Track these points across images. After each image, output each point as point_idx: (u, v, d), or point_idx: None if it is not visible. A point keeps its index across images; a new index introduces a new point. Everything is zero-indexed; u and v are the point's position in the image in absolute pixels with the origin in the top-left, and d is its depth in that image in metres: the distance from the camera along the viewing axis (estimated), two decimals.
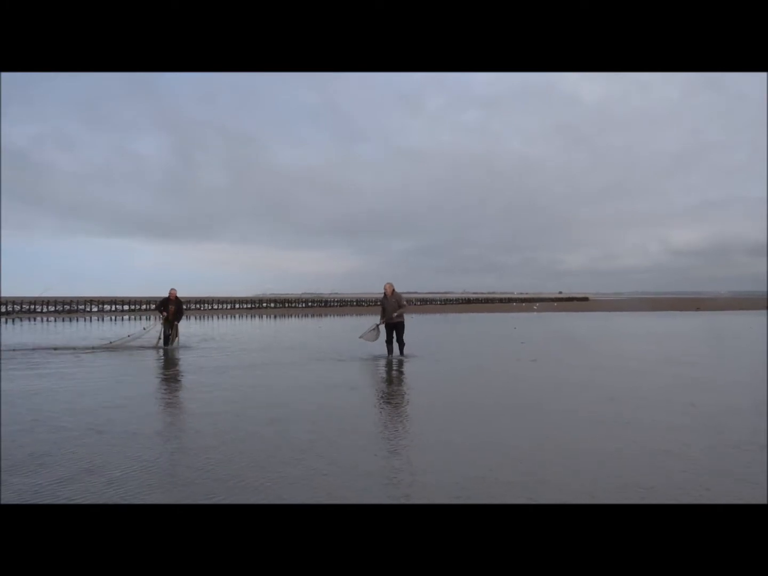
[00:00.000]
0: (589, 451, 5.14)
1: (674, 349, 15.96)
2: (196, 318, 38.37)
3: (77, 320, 35.23)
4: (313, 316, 44.10)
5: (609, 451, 5.12)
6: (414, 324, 24.58)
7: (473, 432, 5.91)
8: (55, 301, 47.93)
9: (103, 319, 36.58)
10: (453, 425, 6.25)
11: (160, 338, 15.12)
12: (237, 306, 59.20)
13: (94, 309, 50.31)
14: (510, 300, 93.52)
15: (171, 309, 15.17)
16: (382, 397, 8.28)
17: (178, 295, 15.56)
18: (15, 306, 44.76)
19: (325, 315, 45.52)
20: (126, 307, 50.84)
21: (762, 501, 3.84)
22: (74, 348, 15.10)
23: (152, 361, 12.72)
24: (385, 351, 12.88)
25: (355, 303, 68.61)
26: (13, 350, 14.40)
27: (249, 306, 60.22)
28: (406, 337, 12.96)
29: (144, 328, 16.43)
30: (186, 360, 12.72)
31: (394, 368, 11.31)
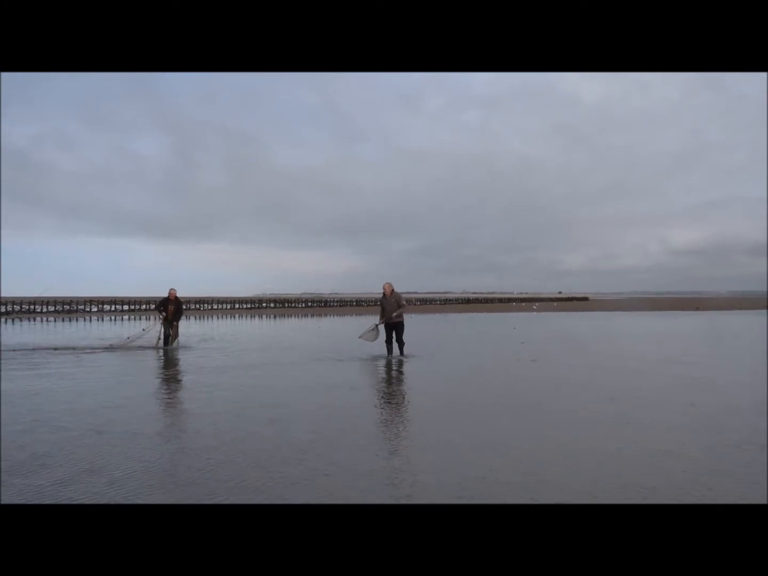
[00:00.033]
0: (589, 451, 5.14)
1: (674, 349, 15.96)
2: (195, 318, 38.36)
3: (77, 320, 35.22)
4: (312, 316, 44.10)
5: (609, 451, 5.12)
6: (414, 324, 24.58)
7: (473, 432, 5.91)
8: (55, 301, 47.92)
9: (102, 319, 36.57)
10: (453, 425, 6.25)
11: (159, 338, 15.12)
12: (237, 306, 59.21)
13: (94, 309, 50.31)
14: (510, 300, 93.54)
15: (170, 309, 15.17)
16: (382, 397, 8.27)
17: (178, 295, 15.56)
18: (15, 306, 44.74)
19: (325, 315, 45.52)
20: (126, 307, 50.83)
21: (762, 501, 3.84)
22: (74, 348, 15.10)
23: (152, 361, 12.72)
24: (384, 351, 12.87)
25: (354, 303, 68.61)
26: (13, 350, 14.40)
27: (249, 306, 60.22)
28: (405, 337, 12.95)
29: (143, 329, 16.41)
30: (186, 360, 12.72)
31: (394, 368, 11.31)
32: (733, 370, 11.35)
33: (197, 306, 54.98)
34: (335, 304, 68.99)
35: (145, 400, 7.99)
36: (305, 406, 7.28)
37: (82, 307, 49.41)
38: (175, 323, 15.24)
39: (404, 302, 13.12)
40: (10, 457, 4.89)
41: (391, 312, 12.83)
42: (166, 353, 14.05)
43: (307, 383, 9.29)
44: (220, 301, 59.76)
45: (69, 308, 47.77)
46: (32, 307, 45.98)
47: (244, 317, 41.32)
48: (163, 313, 15.24)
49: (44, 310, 46.25)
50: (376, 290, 14.55)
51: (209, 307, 56.25)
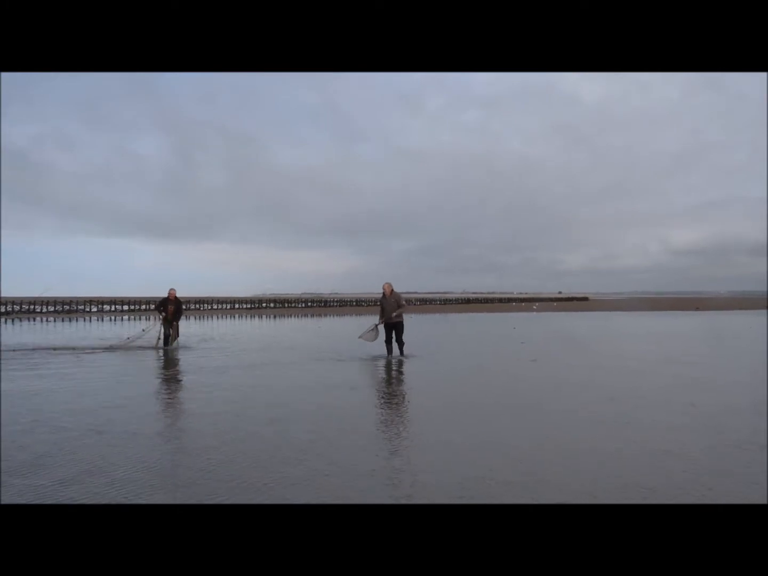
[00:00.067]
0: (589, 451, 5.14)
1: (674, 349, 15.97)
2: (195, 318, 38.36)
3: (77, 320, 35.22)
4: (312, 316, 44.10)
5: (609, 451, 5.12)
6: (413, 324, 24.57)
7: (473, 432, 5.91)
8: (55, 302, 47.92)
9: (102, 320, 36.57)
10: (453, 425, 6.25)
11: (159, 338, 15.12)
12: (237, 306, 59.20)
13: (94, 309, 50.29)
14: (509, 300, 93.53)
15: (170, 309, 15.17)
16: (381, 397, 8.27)
17: (178, 295, 15.56)
18: (14, 306, 44.74)
19: (325, 315, 45.52)
20: (125, 308, 50.83)
21: (762, 501, 3.84)
22: (74, 348, 15.10)
23: (152, 362, 12.72)
24: (384, 351, 12.87)
25: (354, 303, 68.62)
26: (13, 350, 14.40)
27: (248, 306, 60.22)
28: (405, 337, 12.95)
29: (143, 330, 16.41)
30: (186, 360, 12.71)
31: (394, 368, 11.31)
32: (733, 370, 11.35)
33: (197, 306, 54.97)
34: (335, 304, 68.99)
35: (145, 400, 7.99)
36: (305, 406, 7.28)
37: (81, 307, 49.40)
38: (175, 323, 15.24)
39: (404, 302, 13.12)
40: (10, 458, 4.89)
41: (390, 312, 12.82)
42: (165, 353, 14.05)
43: (307, 383, 9.29)
44: (220, 301, 59.76)
45: (69, 308, 47.77)
46: (32, 307, 45.97)
47: (244, 317, 41.32)
48: (163, 314, 15.24)
49: (44, 310, 46.24)
50: (376, 290, 14.55)
51: (209, 307, 56.24)
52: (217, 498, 3.94)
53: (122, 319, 36.35)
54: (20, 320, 35.63)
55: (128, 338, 16.02)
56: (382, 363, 11.96)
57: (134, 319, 36.82)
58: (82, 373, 10.47)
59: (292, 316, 43.15)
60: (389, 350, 12.80)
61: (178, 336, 15.50)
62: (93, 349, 14.99)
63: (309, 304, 67.51)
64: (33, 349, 14.74)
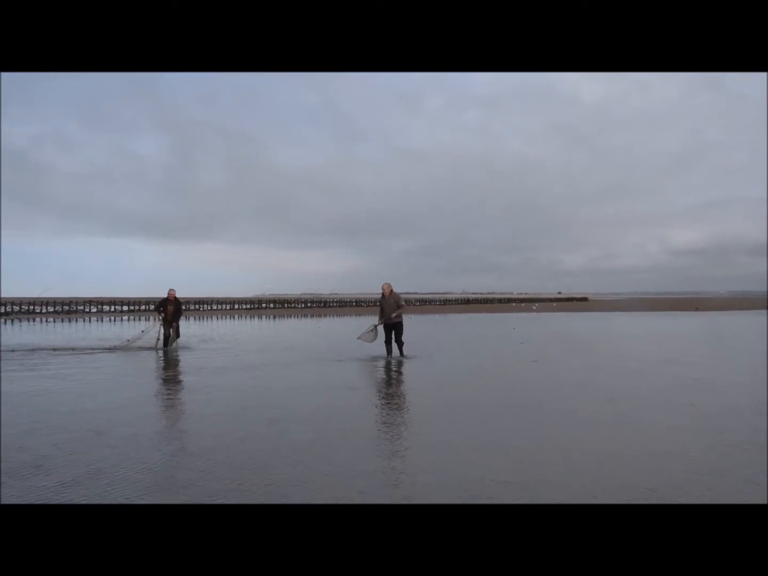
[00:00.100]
0: (589, 451, 5.14)
1: (673, 350, 15.97)
2: (195, 319, 38.35)
3: (76, 321, 35.21)
4: (312, 316, 44.10)
5: (609, 451, 5.12)
6: (413, 324, 24.57)
7: (473, 432, 5.91)
8: (54, 302, 47.89)
9: (102, 320, 36.56)
10: (453, 425, 6.25)
11: (159, 339, 15.11)
12: (236, 306, 59.19)
13: (93, 310, 50.26)
14: (509, 300, 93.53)
15: (170, 309, 15.17)
16: (381, 397, 8.27)
17: (177, 295, 15.56)
18: (14, 307, 44.72)
19: (325, 315, 45.52)
20: (125, 308, 50.81)
21: (762, 501, 3.84)
22: (73, 349, 15.09)
23: (152, 362, 12.72)
24: (384, 351, 12.87)
25: (354, 303, 68.62)
26: (13, 351, 14.40)
27: (248, 306, 60.20)
28: (405, 338, 12.94)
29: (143, 331, 16.40)
30: (185, 361, 12.71)
31: (394, 369, 11.31)
32: (733, 370, 11.36)
33: (196, 307, 54.95)
34: (335, 304, 68.99)
35: (144, 401, 7.99)
36: (305, 407, 7.28)
37: (81, 307, 49.38)
38: (174, 324, 15.24)
39: (403, 303, 13.11)
40: (10, 459, 4.89)
41: (390, 312, 12.82)
42: (165, 354, 14.05)
43: (307, 384, 9.29)
44: (220, 301, 59.73)
45: (68, 309, 47.75)
46: (31, 307, 45.94)
47: (243, 318, 41.31)
48: (162, 314, 15.24)
49: (43, 310, 46.21)
50: (375, 290, 14.55)
51: (208, 308, 56.22)
52: (217, 499, 3.93)
53: (122, 320, 36.34)
54: (20, 321, 35.62)
55: (128, 340, 16.00)
56: (381, 363, 11.96)
57: (134, 319, 36.81)
58: (81, 373, 10.46)
59: (292, 317, 43.15)
60: (389, 351, 12.80)
61: (179, 336, 15.51)
62: (93, 349, 14.98)
63: (308, 304, 67.50)
64: (33, 350, 14.74)
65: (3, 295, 41.88)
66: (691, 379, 9.69)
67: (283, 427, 6.11)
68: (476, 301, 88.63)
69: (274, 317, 42.44)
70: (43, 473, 4.50)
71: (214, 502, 3.85)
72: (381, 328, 13.11)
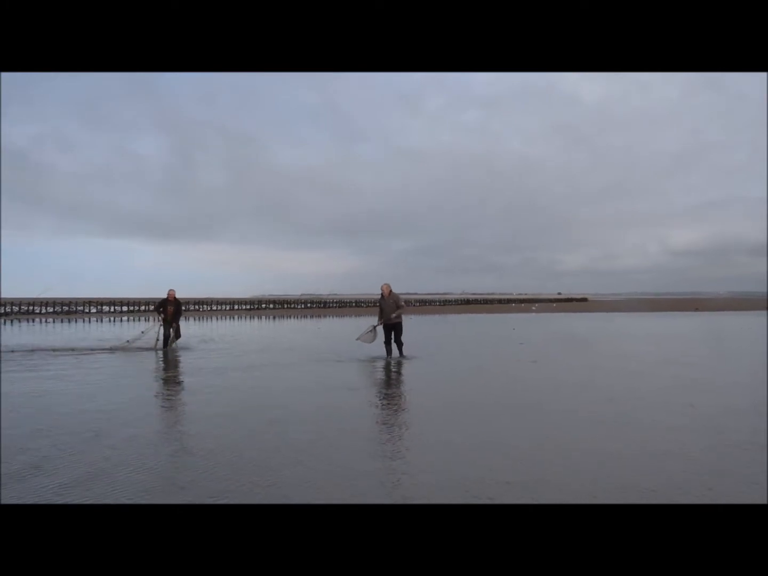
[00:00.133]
0: (589, 451, 5.14)
1: (673, 350, 15.97)
2: (195, 319, 38.34)
3: (76, 321, 35.19)
4: (311, 317, 44.09)
5: (609, 451, 5.12)
6: (413, 325, 24.59)
7: (473, 432, 5.91)
8: (54, 303, 47.87)
9: (101, 320, 36.54)
10: (453, 425, 6.25)
11: (158, 339, 15.11)
12: (236, 307, 59.17)
13: (93, 310, 50.24)
14: (509, 301, 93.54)
15: (170, 310, 15.17)
16: (381, 397, 8.27)
17: (177, 296, 15.56)
18: (13, 307, 44.70)
19: (324, 316, 45.51)
20: (125, 309, 50.79)
21: (762, 501, 3.84)
22: (73, 349, 15.08)
23: (151, 363, 12.71)
24: (383, 352, 12.87)
25: (353, 304, 68.60)
26: (12, 351, 14.39)
27: (248, 307, 60.19)
28: (404, 338, 12.94)
29: (142, 332, 16.39)
30: (185, 361, 12.71)
31: (393, 369, 11.30)
32: (732, 371, 11.36)
33: (196, 307, 54.93)
34: (334, 305, 68.98)
35: (144, 401, 7.98)
36: (305, 407, 7.28)
37: (81, 308, 49.35)
38: (174, 324, 15.24)
39: (402, 303, 13.11)
40: (10, 459, 4.88)
41: (389, 313, 12.82)
42: (165, 354, 14.04)
43: (307, 384, 9.29)
44: (219, 302, 59.71)
45: (68, 309, 47.73)
46: (31, 308, 45.92)
47: (243, 318, 41.30)
48: (162, 315, 15.24)
49: (43, 311, 46.20)
50: (375, 291, 14.55)
51: (208, 308, 56.20)
52: (218, 499, 3.93)
53: (121, 320, 36.32)
54: (19, 321, 35.60)
55: (128, 341, 15.99)
56: (381, 364, 11.96)
57: (134, 320, 36.79)
58: (81, 374, 10.45)
59: (292, 317, 43.14)
60: (388, 351, 12.80)
61: (179, 336, 15.51)
62: (92, 350, 14.97)
63: (308, 305, 67.49)
64: (32, 351, 14.73)
65: (3, 296, 41.89)
66: (691, 380, 9.69)
67: (283, 428, 6.10)
68: (476, 301, 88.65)
69: (274, 318, 42.43)
70: (44, 474, 4.49)
71: (214, 502, 3.85)
72: (380, 329, 13.11)
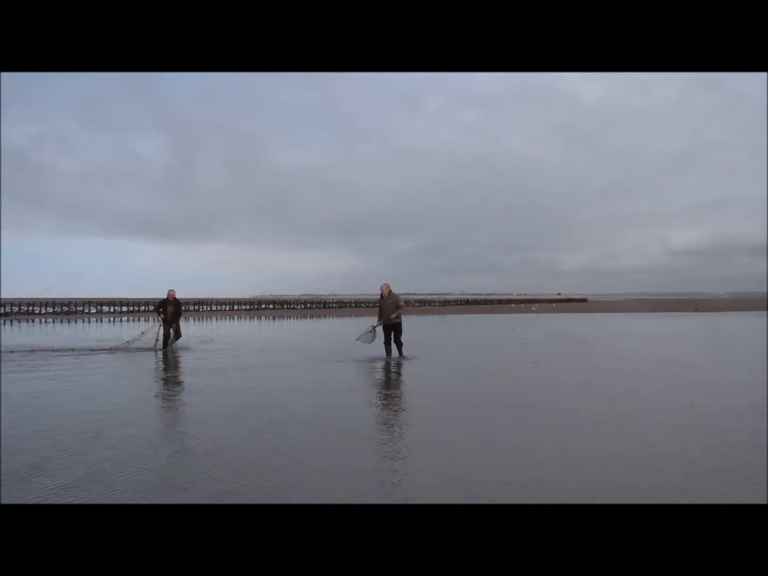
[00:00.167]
0: (589, 451, 5.14)
1: (673, 350, 15.97)
2: (195, 319, 38.33)
3: (75, 322, 35.18)
4: (311, 317, 44.10)
5: (609, 451, 5.12)
6: (412, 325, 24.60)
7: (473, 432, 5.91)
8: (54, 303, 47.86)
9: (101, 321, 36.54)
10: (453, 425, 6.25)
11: (158, 340, 15.10)
12: (236, 307, 59.16)
13: (93, 310, 50.22)
14: (509, 301, 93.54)
15: (169, 310, 15.17)
16: (381, 398, 8.27)
17: (177, 296, 15.55)
18: (13, 307, 44.69)
19: (324, 316, 45.51)
20: (125, 309, 50.78)
21: (762, 501, 3.84)
22: (73, 350, 15.08)
23: (151, 363, 12.71)
24: (383, 352, 12.87)
25: (353, 304, 68.60)
26: (12, 352, 14.39)
27: (248, 307, 60.17)
28: (404, 339, 12.94)
29: (142, 332, 16.39)
30: (185, 362, 12.71)
31: (393, 369, 11.30)
32: (732, 371, 11.36)
33: (196, 307, 54.92)
34: (334, 305, 68.97)
35: (144, 402, 7.98)
36: (304, 408, 7.28)
37: (80, 308, 49.35)
38: (174, 324, 15.24)
39: (402, 303, 13.10)
40: (10, 460, 4.88)
41: (389, 313, 12.82)
42: (165, 355, 14.04)
43: (306, 385, 9.29)
44: (219, 302, 59.70)
45: (68, 310, 47.72)
46: (31, 308, 45.91)
47: (243, 318, 41.29)
48: (162, 315, 15.24)
49: (43, 311, 46.19)
50: (375, 291, 14.55)
51: (208, 309, 56.19)
52: (218, 499, 3.93)
53: (121, 321, 36.32)
54: (19, 322, 35.59)
55: (128, 341, 15.99)
56: (381, 364, 11.96)
57: (133, 320, 36.79)
58: (81, 374, 10.45)
59: (291, 318, 43.14)
60: (388, 351, 12.80)
61: (180, 336, 15.51)
62: (92, 350, 14.97)
63: (308, 305, 67.48)
64: (32, 351, 14.73)
65: (3, 296, 41.88)
66: (691, 380, 9.69)
67: (283, 428, 6.10)
68: (476, 302, 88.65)
69: (274, 318, 42.42)
70: (44, 474, 4.49)
71: (214, 502, 3.85)
72: (380, 329, 13.11)
